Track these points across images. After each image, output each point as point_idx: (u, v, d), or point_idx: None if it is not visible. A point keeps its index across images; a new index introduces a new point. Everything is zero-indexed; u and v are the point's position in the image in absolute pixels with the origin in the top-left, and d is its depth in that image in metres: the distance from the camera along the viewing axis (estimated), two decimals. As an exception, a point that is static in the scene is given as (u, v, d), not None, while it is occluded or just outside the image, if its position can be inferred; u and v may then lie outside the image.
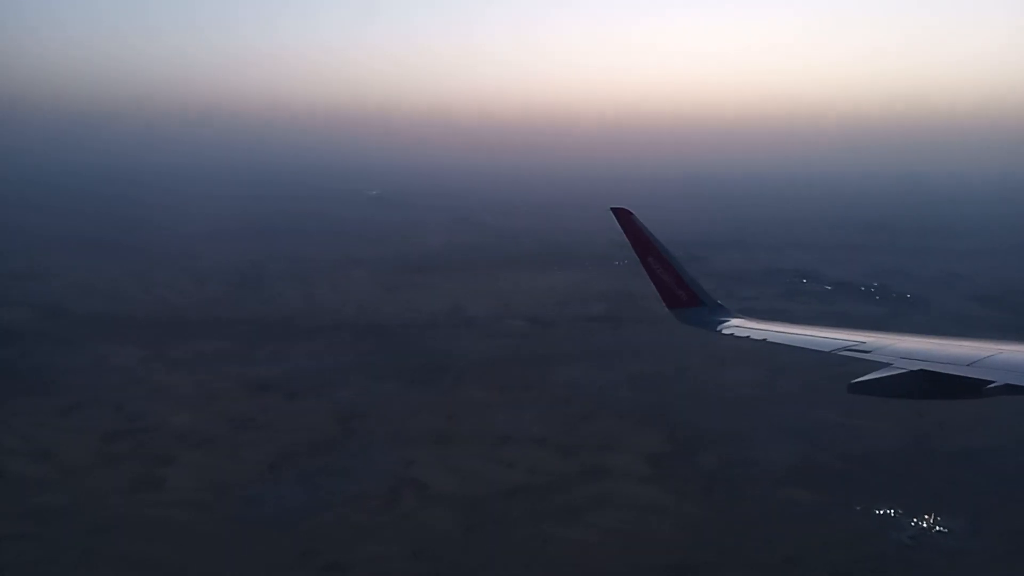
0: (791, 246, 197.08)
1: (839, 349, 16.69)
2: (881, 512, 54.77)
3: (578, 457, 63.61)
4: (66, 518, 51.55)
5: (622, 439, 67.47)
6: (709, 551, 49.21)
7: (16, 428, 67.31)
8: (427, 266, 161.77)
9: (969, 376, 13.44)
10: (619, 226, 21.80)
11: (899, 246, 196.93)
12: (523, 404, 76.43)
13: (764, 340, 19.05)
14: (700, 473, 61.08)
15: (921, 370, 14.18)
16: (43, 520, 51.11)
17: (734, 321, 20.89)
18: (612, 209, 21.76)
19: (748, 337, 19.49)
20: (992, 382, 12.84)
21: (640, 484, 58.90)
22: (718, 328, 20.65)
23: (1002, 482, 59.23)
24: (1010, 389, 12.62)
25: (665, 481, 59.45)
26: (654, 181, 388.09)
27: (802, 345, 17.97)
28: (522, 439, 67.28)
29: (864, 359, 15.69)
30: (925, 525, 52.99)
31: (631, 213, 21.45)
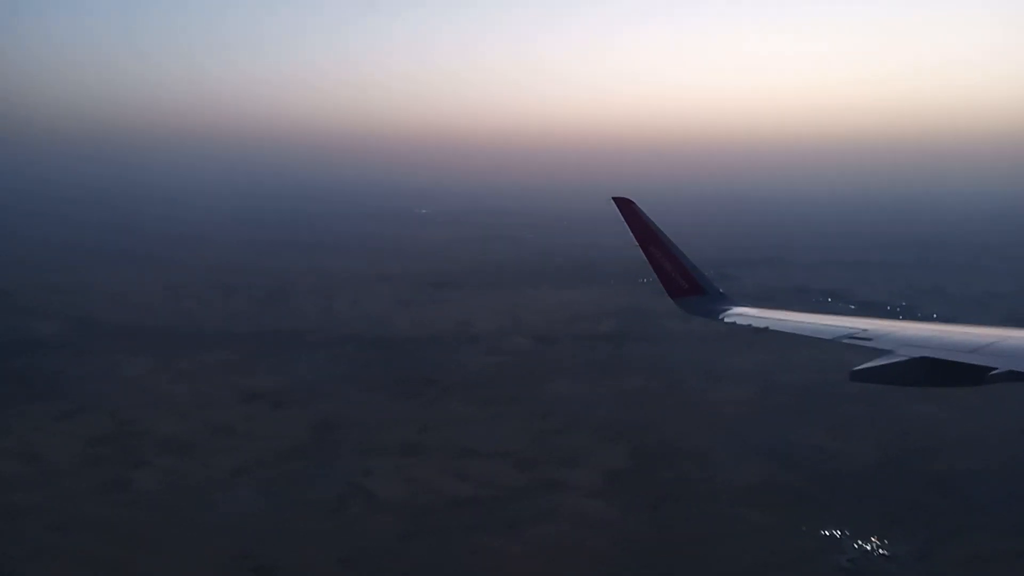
0: (827, 264, 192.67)
1: (841, 337, 16.63)
2: (827, 533, 53.74)
3: (536, 471, 64.09)
4: (31, 515, 54.53)
5: (587, 454, 67.59)
6: (636, 567, 49.19)
7: (14, 430, 71.16)
8: (451, 282, 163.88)
9: (971, 363, 13.19)
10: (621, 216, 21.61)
11: (941, 265, 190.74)
12: (500, 418, 77.21)
13: (766, 328, 19.07)
14: (654, 489, 60.82)
15: (923, 357, 13.98)
16: (8, 516, 54.14)
17: (736, 310, 20.97)
18: (614, 199, 21.60)
19: (750, 325, 19.56)
20: (994, 369, 12.64)
21: (590, 499, 59.04)
22: (720, 316, 20.76)
23: (969, 509, 57.31)
24: (1013, 376, 12.44)
25: (616, 497, 59.43)
26: (688, 199, 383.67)
27: (804, 333, 17.96)
28: (487, 452, 68.08)
29: (866, 347, 15.50)
30: (869, 548, 51.78)
31: (632, 202, 21.41)
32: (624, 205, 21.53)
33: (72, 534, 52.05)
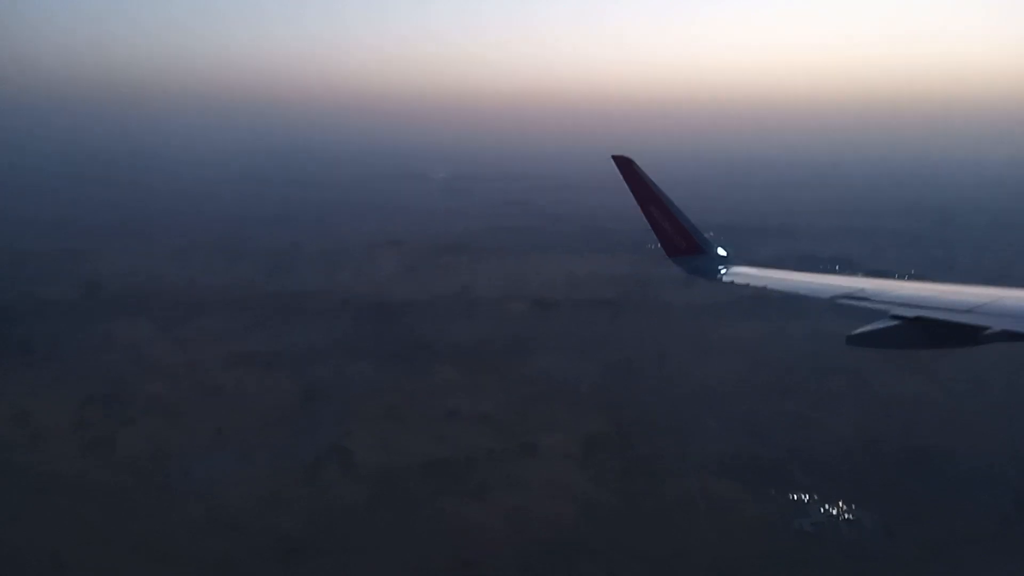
0: (838, 232, 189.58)
1: (838, 296, 16.48)
2: (795, 497, 54.09)
3: (514, 436, 64.69)
4: (15, 476, 56.15)
5: (565, 422, 67.93)
6: (598, 537, 49.70)
7: (7, 395, 72.39)
8: (460, 247, 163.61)
9: (966, 323, 13.17)
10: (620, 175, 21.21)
11: (956, 236, 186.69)
12: (486, 384, 77.81)
13: (764, 287, 18.88)
14: (627, 460, 61.09)
15: (918, 318, 13.98)
16: (-6, 477, 55.87)
17: (735, 269, 20.72)
18: (613, 157, 21.32)
19: (748, 284, 19.30)
20: (989, 328, 12.68)
21: (561, 467, 59.61)
22: (718, 276, 20.55)
23: (939, 489, 56.54)
24: (1007, 336, 12.45)
25: (587, 466, 59.95)
26: (705, 165, 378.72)
27: (801, 292, 17.85)
28: (468, 416, 68.90)
29: (862, 307, 15.49)
30: (835, 512, 51.96)
31: (632, 161, 21.12)
32: (624, 164, 21.18)
33: (53, 495, 53.53)
